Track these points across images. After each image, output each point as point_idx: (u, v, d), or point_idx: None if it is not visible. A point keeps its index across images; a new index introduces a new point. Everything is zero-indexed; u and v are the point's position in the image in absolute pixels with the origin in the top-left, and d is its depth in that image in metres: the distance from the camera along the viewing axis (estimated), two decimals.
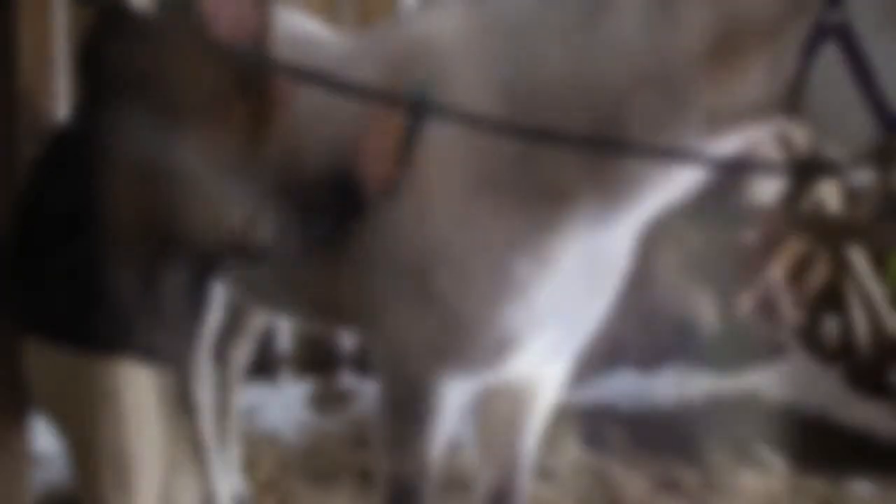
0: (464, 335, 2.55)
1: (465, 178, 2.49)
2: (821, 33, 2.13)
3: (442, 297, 2.52)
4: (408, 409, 2.67)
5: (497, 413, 3.01)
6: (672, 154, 2.30)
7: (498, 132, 2.38)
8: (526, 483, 3.10)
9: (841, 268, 6.41)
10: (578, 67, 2.38)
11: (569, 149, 2.36)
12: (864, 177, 2.25)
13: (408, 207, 2.55)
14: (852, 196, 6.70)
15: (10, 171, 2.49)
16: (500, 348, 2.57)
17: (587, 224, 2.48)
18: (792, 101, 2.20)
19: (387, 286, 2.60)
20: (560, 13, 2.45)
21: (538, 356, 2.69)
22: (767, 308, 6.96)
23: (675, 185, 2.42)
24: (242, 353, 4.32)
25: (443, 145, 2.51)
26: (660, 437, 5.49)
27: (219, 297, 4.27)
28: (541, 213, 2.46)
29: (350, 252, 2.67)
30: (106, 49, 2.38)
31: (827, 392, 5.95)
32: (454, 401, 2.70)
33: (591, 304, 2.73)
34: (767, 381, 6.21)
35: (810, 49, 2.14)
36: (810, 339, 6.54)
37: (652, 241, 2.86)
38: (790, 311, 6.95)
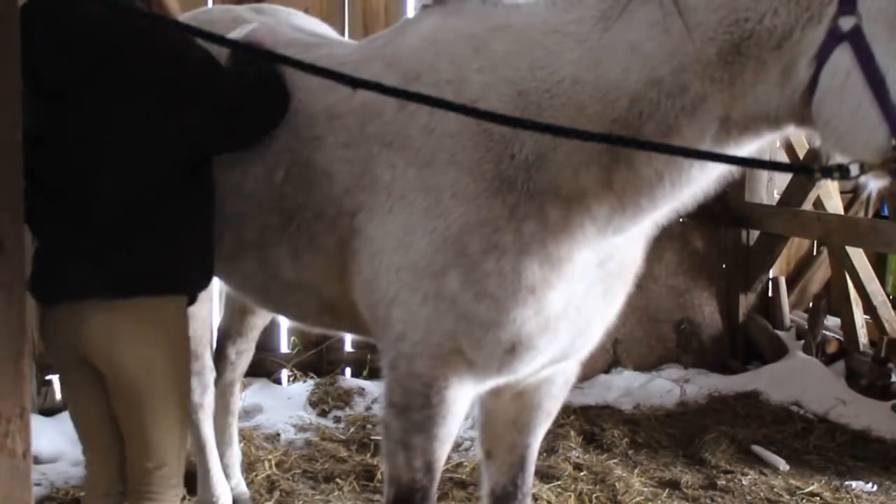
0: (475, 338, 2.54)
1: (479, 181, 2.49)
2: (833, 41, 2.11)
3: (453, 299, 2.51)
4: (416, 412, 2.64)
5: (503, 413, 2.99)
6: (678, 150, 2.28)
7: (511, 126, 2.38)
8: (530, 483, 3.08)
9: (841, 268, 6.41)
10: (591, 70, 2.38)
11: (579, 146, 2.36)
12: (875, 183, 2.22)
13: (422, 208, 2.55)
14: (852, 196, 6.72)
15: (13, 171, 2.48)
16: (511, 352, 2.56)
17: (599, 228, 2.48)
18: (804, 108, 2.19)
19: (398, 287, 2.60)
20: (572, 16, 2.45)
21: (547, 358, 2.68)
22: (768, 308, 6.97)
23: (687, 189, 2.41)
24: (243, 352, 4.31)
25: (458, 148, 2.51)
26: (660, 437, 5.49)
27: (220, 296, 4.29)
28: (553, 217, 2.46)
29: (362, 252, 2.67)
30: None
31: (827, 392, 5.95)
32: (463, 404, 2.68)
33: (602, 307, 2.71)
34: (767, 381, 6.21)
35: (823, 56, 2.13)
36: (810, 339, 6.54)
37: (652, 242, 2.86)
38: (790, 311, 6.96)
